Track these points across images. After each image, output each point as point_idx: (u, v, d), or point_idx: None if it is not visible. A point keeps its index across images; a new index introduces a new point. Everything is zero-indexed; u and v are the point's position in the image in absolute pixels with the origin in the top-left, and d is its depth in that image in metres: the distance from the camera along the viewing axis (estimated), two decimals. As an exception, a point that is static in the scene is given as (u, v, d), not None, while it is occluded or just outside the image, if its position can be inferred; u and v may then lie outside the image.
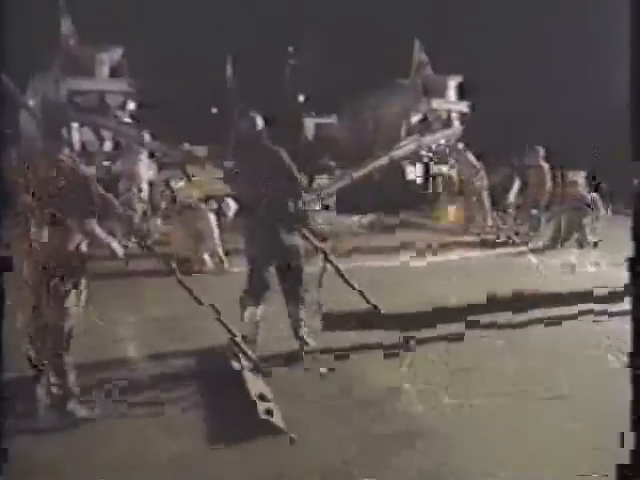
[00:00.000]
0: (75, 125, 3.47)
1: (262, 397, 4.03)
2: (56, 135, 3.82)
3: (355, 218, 16.15)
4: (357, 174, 15.79)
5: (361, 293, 5.91)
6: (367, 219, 16.15)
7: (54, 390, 3.91)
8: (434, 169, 20.08)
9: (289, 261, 5.28)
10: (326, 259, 5.72)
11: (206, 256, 8.89)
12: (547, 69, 23.39)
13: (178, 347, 5.44)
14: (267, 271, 5.29)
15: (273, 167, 5.26)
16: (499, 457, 3.70)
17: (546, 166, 12.58)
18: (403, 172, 19.32)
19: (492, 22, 24.08)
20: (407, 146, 18.58)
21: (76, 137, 3.53)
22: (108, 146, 14.13)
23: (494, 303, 6.42)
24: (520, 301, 6.61)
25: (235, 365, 4.56)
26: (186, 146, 16.24)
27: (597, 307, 6.66)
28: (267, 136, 5.46)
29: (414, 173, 19.75)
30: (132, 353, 5.34)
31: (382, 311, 5.87)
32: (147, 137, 10.24)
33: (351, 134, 22.61)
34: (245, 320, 5.22)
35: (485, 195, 13.52)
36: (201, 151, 16.89)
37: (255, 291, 5.29)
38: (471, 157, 13.89)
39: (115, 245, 3.94)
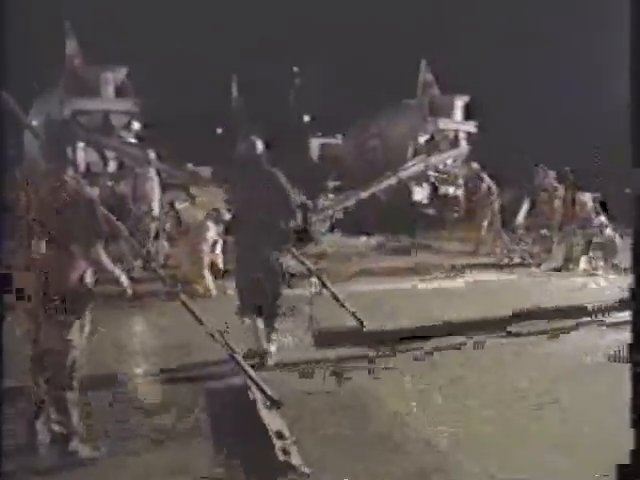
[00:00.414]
0: (80, 145, 3.33)
1: (280, 435, 3.75)
2: (60, 155, 3.58)
3: (362, 239, 15.92)
4: (364, 194, 15.64)
5: (353, 314, 6.29)
6: (375, 240, 15.91)
7: (55, 428, 3.62)
8: (441, 190, 19.91)
9: (271, 277, 5.53)
10: (322, 285, 6.27)
11: (207, 273, 8.65)
12: (555, 89, 23.27)
13: (188, 374, 5.16)
14: (258, 283, 5.50)
15: (269, 188, 5.55)
16: (499, 460, 3.66)
17: (558, 187, 12.40)
18: (410, 193, 19.12)
19: (498, 40, 24.05)
20: (415, 166, 18.45)
21: (81, 157, 3.33)
22: (112, 166, 13.91)
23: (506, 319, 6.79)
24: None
25: (250, 397, 4.29)
26: (190, 167, 16.07)
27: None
28: (267, 158, 5.76)
29: (421, 194, 19.56)
30: (140, 381, 5.06)
31: (375, 328, 6.23)
32: (152, 155, 9.93)
33: (357, 154, 22.46)
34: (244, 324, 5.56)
35: (498, 217, 13.35)
36: (205, 172, 16.70)
37: (249, 304, 5.57)
38: (487, 179, 13.66)
39: (122, 278, 3.66)
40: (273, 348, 5.60)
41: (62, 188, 3.52)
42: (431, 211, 19.22)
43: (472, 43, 24.49)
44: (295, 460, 3.54)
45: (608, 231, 11.42)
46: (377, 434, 4.11)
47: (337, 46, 25.04)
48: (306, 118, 25.23)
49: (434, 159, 19.58)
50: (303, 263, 6.44)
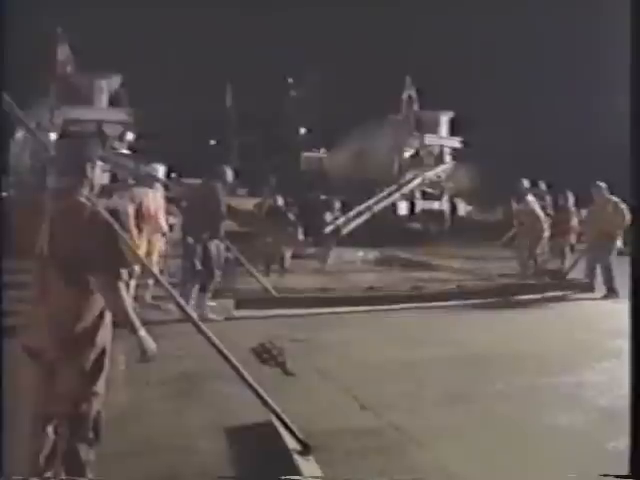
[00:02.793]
0: (100, 163, 3.00)
1: (321, 492, 3.27)
2: (77, 172, 3.10)
3: (360, 253, 15.59)
4: (376, 208, 15.51)
5: (256, 278, 8.52)
6: (372, 255, 15.60)
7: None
8: (425, 205, 19.80)
9: (210, 260, 7.55)
10: (228, 249, 8.18)
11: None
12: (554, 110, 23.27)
13: (206, 422, 4.37)
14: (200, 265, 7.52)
15: (209, 197, 7.60)
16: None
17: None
18: (395, 208, 18.96)
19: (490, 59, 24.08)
20: (414, 181, 18.35)
21: (98, 175, 2.93)
22: (105, 179, 13.42)
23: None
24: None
25: (282, 446, 3.76)
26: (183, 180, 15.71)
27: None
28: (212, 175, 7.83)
29: (405, 208, 19.42)
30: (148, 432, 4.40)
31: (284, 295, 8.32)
32: (162, 170, 9.18)
33: (342, 168, 22.40)
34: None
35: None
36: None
37: (188, 277, 7.60)
38: (536, 206, 12.59)
39: (142, 332, 3.04)
40: (208, 312, 7.45)
41: (77, 210, 3.04)
42: (417, 225, 19.11)
43: (461, 60, 24.54)
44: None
45: None
46: None
47: (324, 60, 24.92)
48: (302, 130, 24.99)
49: (429, 173, 19.54)
50: (229, 248, 8.25)
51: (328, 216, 15.52)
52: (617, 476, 2.81)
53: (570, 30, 23.01)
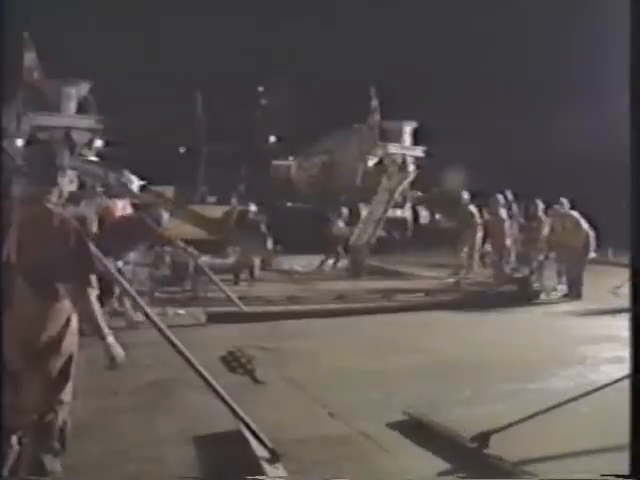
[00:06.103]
0: (70, 172, 2.96)
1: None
2: (46, 179, 3.08)
3: (330, 261, 15.57)
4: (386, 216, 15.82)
5: (223, 291, 8.50)
6: (341, 263, 15.58)
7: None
8: (388, 213, 19.92)
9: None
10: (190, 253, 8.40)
11: None
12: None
13: (172, 430, 4.30)
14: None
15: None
16: None
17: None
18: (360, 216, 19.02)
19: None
20: (400, 186, 18.48)
21: (66, 182, 2.90)
22: (73, 186, 13.27)
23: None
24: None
25: (251, 454, 3.75)
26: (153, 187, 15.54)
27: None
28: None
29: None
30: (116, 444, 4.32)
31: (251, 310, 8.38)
32: (134, 180, 8.99)
33: (309, 177, 22.47)
34: None
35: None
36: (168, 191, 16.18)
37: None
38: (502, 211, 12.50)
39: (110, 338, 3.03)
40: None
41: (46, 218, 3.01)
42: (382, 233, 19.19)
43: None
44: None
45: None
46: None
47: (291, 70, 25.01)
48: (272, 139, 25.05)
49: (405, 182, 19.69)
50: (186, 250, 8.30)
51: (339, 225, 15.44)
52: (617, 476, 2.83)
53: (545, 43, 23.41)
